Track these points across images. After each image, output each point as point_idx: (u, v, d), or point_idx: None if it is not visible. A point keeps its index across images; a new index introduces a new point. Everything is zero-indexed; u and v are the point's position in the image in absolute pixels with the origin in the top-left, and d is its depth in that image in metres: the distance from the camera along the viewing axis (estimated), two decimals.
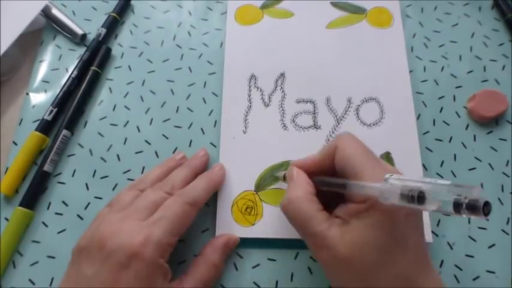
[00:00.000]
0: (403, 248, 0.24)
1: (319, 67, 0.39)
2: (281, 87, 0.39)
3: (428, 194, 0.20)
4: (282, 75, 0.39)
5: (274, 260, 0.33)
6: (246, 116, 0.37)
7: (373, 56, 0.40)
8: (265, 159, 0.36)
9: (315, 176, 0.29)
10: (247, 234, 0.33)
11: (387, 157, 0.35)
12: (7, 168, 0.36)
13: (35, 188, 0.35)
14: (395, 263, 0.24)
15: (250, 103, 0.38)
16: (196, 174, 0.33)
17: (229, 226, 0.33)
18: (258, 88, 0.39)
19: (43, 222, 0.34)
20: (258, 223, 0.33)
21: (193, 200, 0.29)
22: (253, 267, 0.33)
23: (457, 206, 0.19)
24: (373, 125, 0.37)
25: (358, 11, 0.42)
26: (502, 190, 0.35)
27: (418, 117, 0.38)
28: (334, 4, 0.42)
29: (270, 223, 0.33)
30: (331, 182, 0.28)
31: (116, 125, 0.38)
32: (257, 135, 0.37)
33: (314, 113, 0.37)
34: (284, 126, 0.37)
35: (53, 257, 0.33)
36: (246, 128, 0.37)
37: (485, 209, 0.18)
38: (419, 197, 0.20)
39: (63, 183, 0.36)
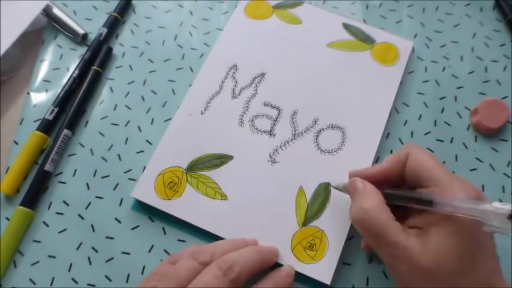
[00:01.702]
0: (483, 256, 0.25)
1: (302, 80, 0.39)
2: (255, 86, 0.38)
3: None
4: (262, 75, 0.39)
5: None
6: (210, 99, 0.38)
7: (361, 87, 0.38)
8: (208, 146, 0.36)
9: (378, 186, 0.28)
10: (160, 206, 0.33)
11: (326, 188, 0.34)
12: (8, 168, 0.36)
13: (35, 188, 0.35)
14: (476, 271, 0.24)
15: (220, 89, 0.38)
16: (262, 265, 0.30)
17: (148, 190, 0.34)
18: (234, 78, 0.39)
19: (44, 222, 0.34)
20: (174, 200, 0.34)
21: (236, 275, 0.27)
22: None
23: None
24: (327, 152, 0.36)
25: (367, 40, 0.40)
26: (503, 191, 0.35)
27: (420, 117, 0.38)
28: (345, 26, 0.41)
29: (187, 205, 0.33)
30: (411, 197, 0.26)
31: (117, 124, 0.38)
32: (211, 121, 0.37)
33: (275, 120, 0.37)
34: (241, 122, 0.37)
35: (54, 257, 0.33)
36: (205, 110, 0.37)
37: None
38: None
39: (64, 182, 0.36)
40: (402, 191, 0.28)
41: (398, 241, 0.25)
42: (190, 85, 0.39)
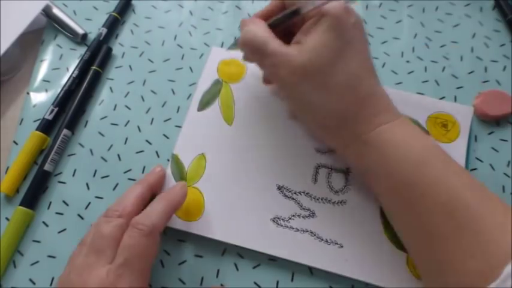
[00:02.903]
0: (352, 50, 0.28)
1: None
2: None
3: None
4: None
5: (274, 260, 0.33)
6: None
7: None
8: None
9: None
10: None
11: None
12: (8, 168, 0.36)
13: (35, 188, 0.35)
14: (347, 61, 0.28)
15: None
16: (152, 191, 0.32)
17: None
18: None
19: (43, 222, 0.34)
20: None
21: (149, 229, 0.28)
22: (254, 268, 0.33)
23: None
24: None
25: None
26: (503, 191, 0.35)
27: None
28: None
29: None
30: (284, 14, 0.30)
31: (116, 124, 0.38)
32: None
33: None
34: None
35: (54, 257, 0.33)
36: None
37: None
38: None
39: (63, 182, 0.36)
40: (279, 15, 0.31)
41: (277, 49, 0.29)
42: (190, 85, 0.39)
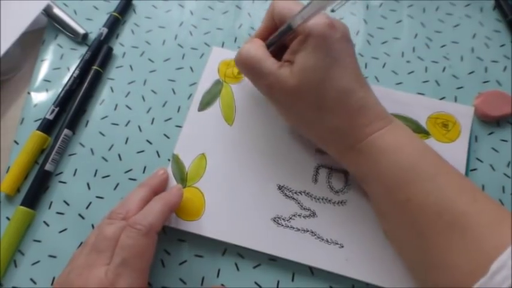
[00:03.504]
0: (341, 66, 0.29)
1: None
2: None
3: None
4: None
5: (275, 260, 0.33)
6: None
7: None
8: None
9: None
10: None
11: None
12: (8, 168, 0.36)
13: (36, 188, 0.35)
14: (336, 78, 0.29)
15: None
16: (155, 194, 0.32)
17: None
18: None
19: (44, 222, 0.34)
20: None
21: (147, 228, 0.28)
22: (254, 267, 0.33)
23: None
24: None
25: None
26: (503, 191, 0.35)
27: None
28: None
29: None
30: (279, 32, 0.31)
31: (117, 124, 0.38)
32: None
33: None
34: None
35: (54, 257, 0.33)
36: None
37: None
38: None
39: (64, 182, 0.36)
40: (274, 34, 0.32)
41: (272, 71, 0.30)
42: (190, 85, 0.39)
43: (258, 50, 0.31)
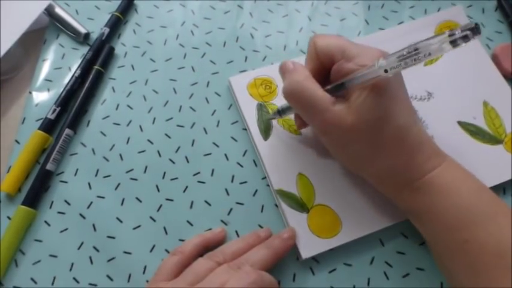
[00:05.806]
0: (397, 102, 0.28)
1: None
2: None
3: (421, 44, 0.23)
4: None
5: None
6: None
7: None
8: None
9: None
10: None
11: None
12: (10, 167, 0.36)
13: (37, 187, 0.35)
14: (393, 116, 0.28)
15: None
16: (277, 257, 0.31)
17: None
18: None
19: (45, 221, 0.34)
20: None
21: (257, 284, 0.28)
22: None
23: (453, 39, 0.21)
24: None
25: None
26: (503, 192, 0.35)
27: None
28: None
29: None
30: (330, 88, 0.29)
31: (118, 124, 0.38)
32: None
33: None
34: None
35: (55, 256, 0.33)
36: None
37: (477, 28, 0.21)
38: (415, 49, 0.23)
39: (65, 182, 0.36)
40: (327, 87, 0.30)
41: (327, 107, 0.28)
42: (191, 84, 0.39)
43: (311, 82, 0.29)
